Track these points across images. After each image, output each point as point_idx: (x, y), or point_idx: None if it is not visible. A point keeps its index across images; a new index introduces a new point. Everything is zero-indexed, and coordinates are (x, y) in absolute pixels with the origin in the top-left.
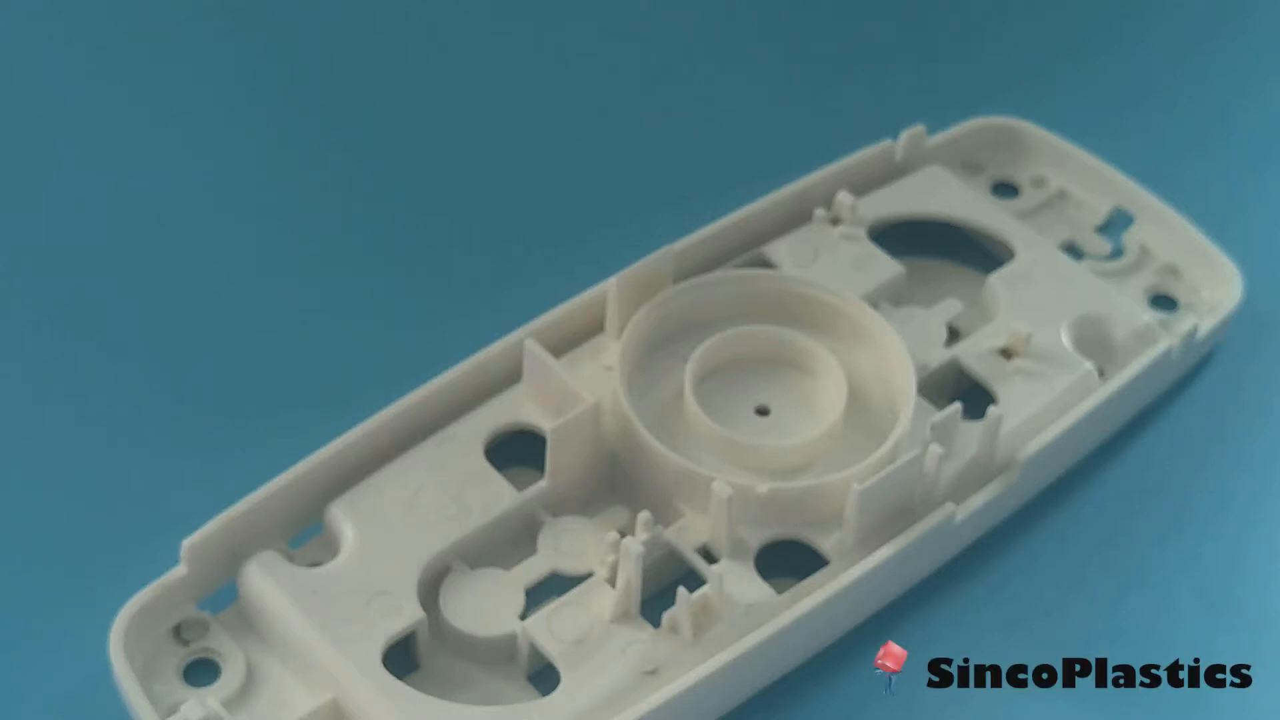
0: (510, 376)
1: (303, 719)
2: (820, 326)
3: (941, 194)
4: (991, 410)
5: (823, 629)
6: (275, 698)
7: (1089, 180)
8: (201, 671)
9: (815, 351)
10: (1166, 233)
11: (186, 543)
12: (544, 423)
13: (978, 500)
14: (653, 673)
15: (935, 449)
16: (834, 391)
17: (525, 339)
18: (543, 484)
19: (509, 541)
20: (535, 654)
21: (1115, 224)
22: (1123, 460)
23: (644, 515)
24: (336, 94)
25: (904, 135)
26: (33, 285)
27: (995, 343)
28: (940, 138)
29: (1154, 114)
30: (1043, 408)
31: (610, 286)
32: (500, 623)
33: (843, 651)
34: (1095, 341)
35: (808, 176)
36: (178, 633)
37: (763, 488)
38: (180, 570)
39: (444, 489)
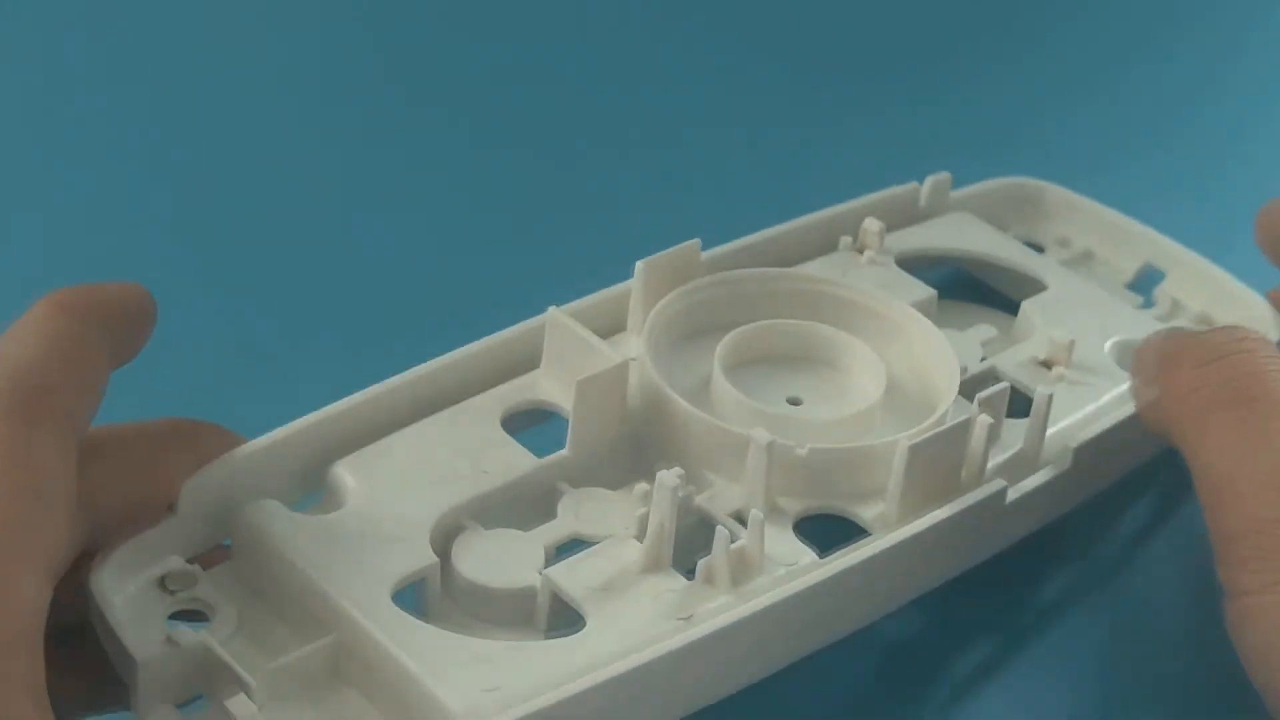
0: (530, 362)
1: (300, 658)
2: (854, 326)
3: (971, 234)
4: (1040, 390)
5: (865, 598)
6: (268, 642)
7: (1116, 238)
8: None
9: (850, 344)
10: (1199, 283)
11: (185, 488)
12: (565, 401)
13: (1029, 483)
14: (688, 619)
15: (984, 418)
16: (870, 383)
17: (550, 308)
18: (565, 452)
19: (527, 507)
20: (556, 610)
21: (1146, 279)
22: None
23: (674, 472)
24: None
25: (929, 180)
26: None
27: (1035, 353)
28: (961, 193)
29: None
30: (1091, 412)
31: (636, 271)
32: (518, 575)
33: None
34: None
35: (832, 207)
36: (163, 583)
37: (803, 449)
38: (172, 516)
39: (458, 454)
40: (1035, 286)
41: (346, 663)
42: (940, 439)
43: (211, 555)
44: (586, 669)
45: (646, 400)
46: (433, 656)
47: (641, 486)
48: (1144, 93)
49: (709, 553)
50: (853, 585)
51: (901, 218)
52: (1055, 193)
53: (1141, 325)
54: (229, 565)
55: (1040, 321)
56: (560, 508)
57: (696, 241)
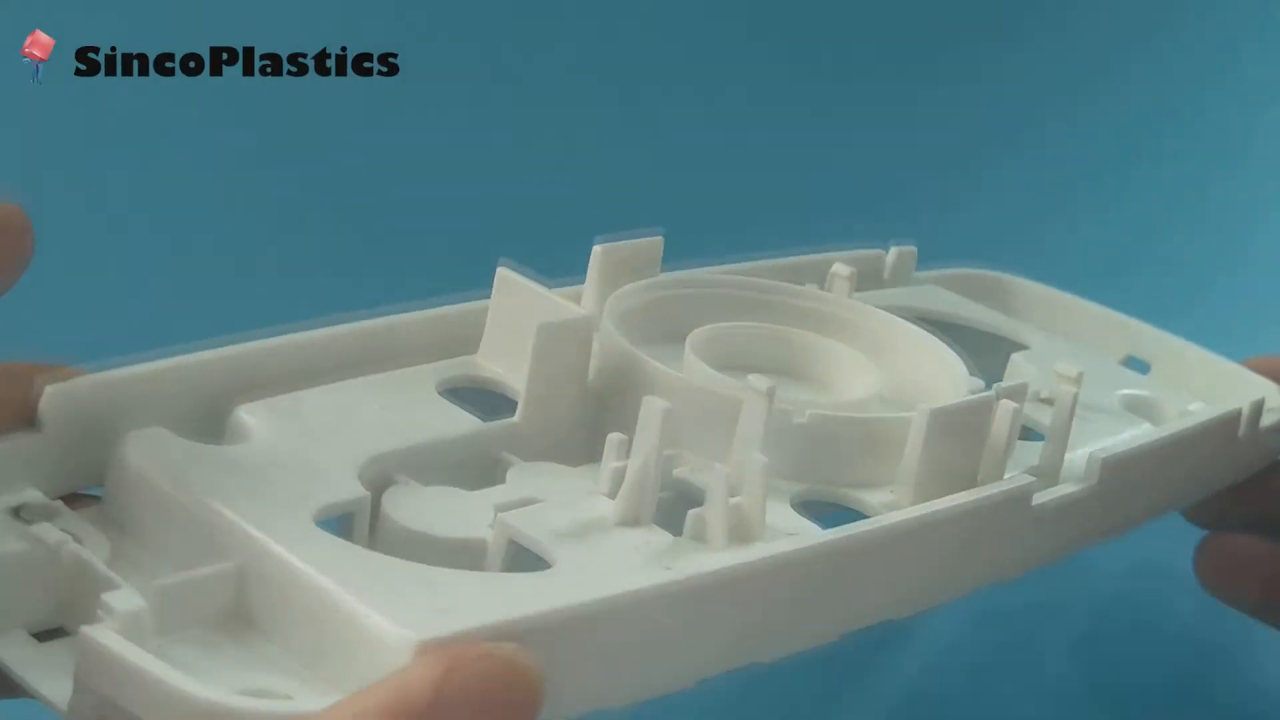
0: (469, 345)
1: (194, 581)
2: (842, 338)
3: (944, 299)
4: (1064, 388)
5: (874, 584)
6: (150, 574)
7: (1094, 329)
8: None
9: (838, 352)
10: (1190, 367)
11: (47, 393)
12: (512, 378)
13: (1056, 493)
14: (670, 570)
15: (1008, 404)
16: (862, 387)
17: (499, 267)
18: (514, 419)
19: (470, 474)
20: (513, 561)
21: (1131, 369)
22: None
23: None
24: None
25: (894, 250)
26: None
27: (1036, 390)
28: (925, 274)
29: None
30: (1110, 441)
31: (593, 256)
32: (465, 524)
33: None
34: (1146, 416)
35: (795, 254)
36: (17, 514)
37: (802, 415)
38: (33, 433)
39: (389, 409)
40: (1017, 349)
41: (253, 595)
42: (966, 411)
43: (75, 502)
44: (548, 601)
45: (609, 369)
46: (367, 581)
47: (615, 436)
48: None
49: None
50: (862, 565)
51: (865, 282)
52: (1023, 285)
53: (1146, 384)
54: (100, 507)
55: (1033, 374)
56: (510, 476)
57: (659, 238)
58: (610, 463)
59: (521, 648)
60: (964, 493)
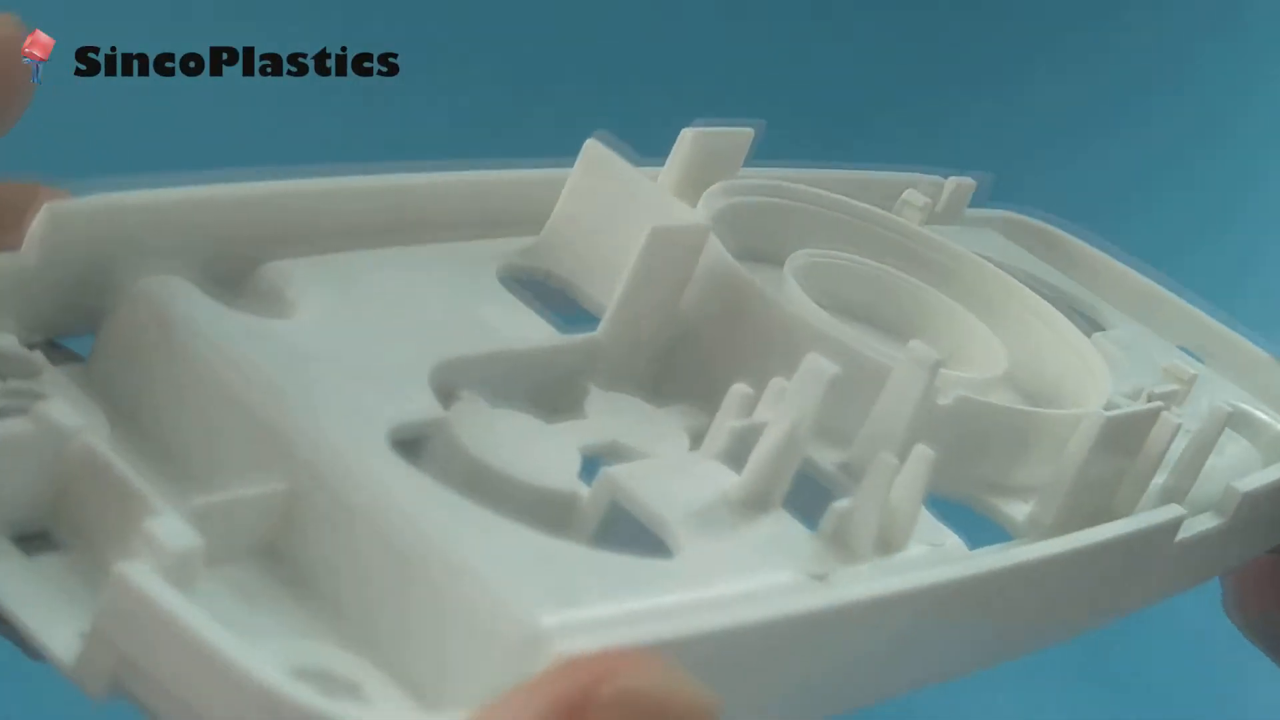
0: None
1: (235, 503)
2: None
3: (1008, 252)
4: (1216, 405)
5: (1012, 614)
6: (163, 472)
7: (1141, 305)
8: None
9: (963, 320)
10: (1243, 363)
11: (43, 212)
12: (585, 282)
13: (1197, 525)
14: (822, 579)
15: (1169, 416)
16: (989, 371)
17: (590, 140)
18: (596, 334)
19: (540, 394)
20: (609, 528)
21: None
22: None
23: (776, 382)
24: None
25: (952, 181)
26: None
27: (1140, 384)
28: (977, 214)
29: None
30: (1239, 460)
31: (681, 142)
32: (553, 471)
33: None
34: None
35: (857, 169)
36: None
37: (948, 396)
38: (16, 256)
39: (454, 299)
40: (1096, 329)
41: (305, 531)
42: (1137, 420)
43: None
44: (690, 607)
45: (705, 289)
46: (477, 539)
47: (739, 389)
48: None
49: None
50: (1011, 595)
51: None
52: (1078, 246)
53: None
54: (85, 368)
55: (1121, 359)
56: (588, 407)
57: (750, 130)
58: (729, 420)
59: (699, 682)
60: (1120, 521)
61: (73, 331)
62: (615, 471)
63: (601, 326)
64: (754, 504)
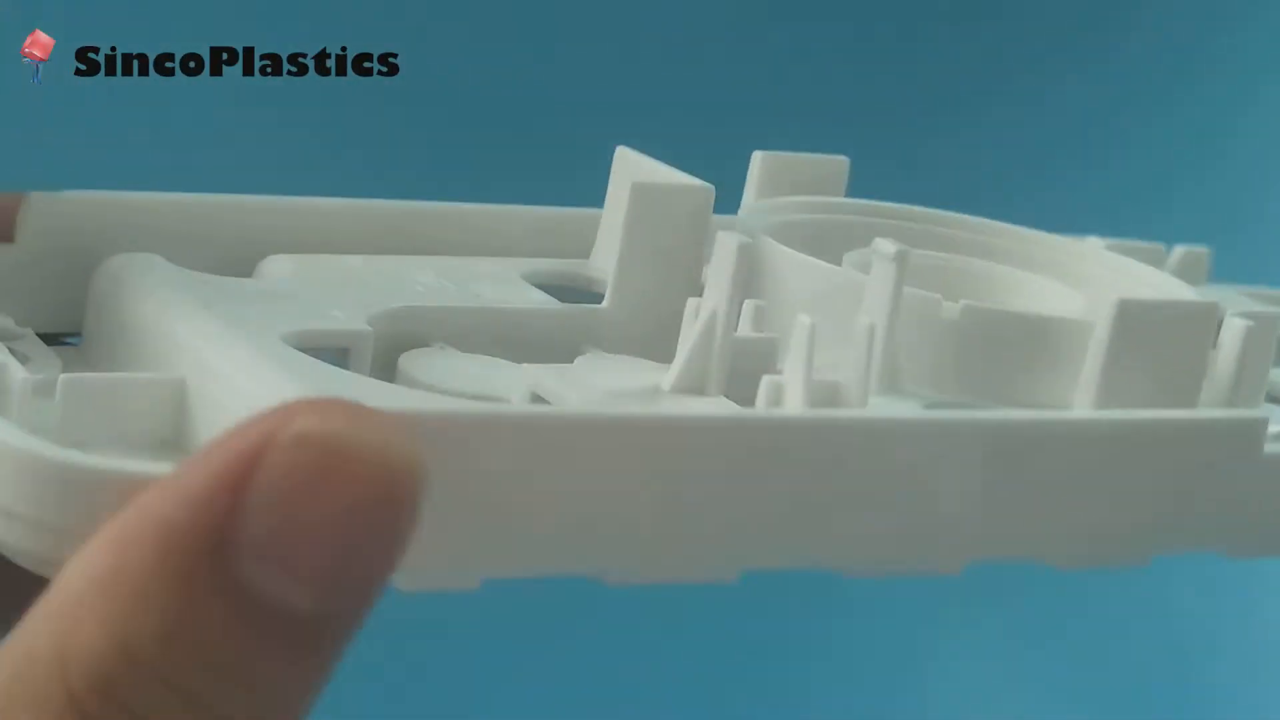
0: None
1: (112, 383)
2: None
3: None
4: None
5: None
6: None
7: None
8: None
9: (1042, 287)
10: None
11: (32, 197)
12: None
13: None
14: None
15: (1241, 321)
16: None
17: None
18: (602, 305)
19: (529, 352)
20: None
21: None
22: None
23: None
24: None
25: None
26: None
27: None
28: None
29: None
30: None
31: (755, 165)
32: (486, 383)
33: None
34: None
35: None
36: None
37: (953, 307)
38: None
39: (447, 277)
40: None
41: (195, 417)
42: (1169, 311)
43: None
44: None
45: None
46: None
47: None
48: None
49: None
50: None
51: None
52: None
53: None
54: (77, 350)
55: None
56: (578, 360)
57: (845, 158)
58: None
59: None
60: (1160, 410)
61: (70, 330)
62: (532, 369)
63: (607, 294)
64: (687, 391)
